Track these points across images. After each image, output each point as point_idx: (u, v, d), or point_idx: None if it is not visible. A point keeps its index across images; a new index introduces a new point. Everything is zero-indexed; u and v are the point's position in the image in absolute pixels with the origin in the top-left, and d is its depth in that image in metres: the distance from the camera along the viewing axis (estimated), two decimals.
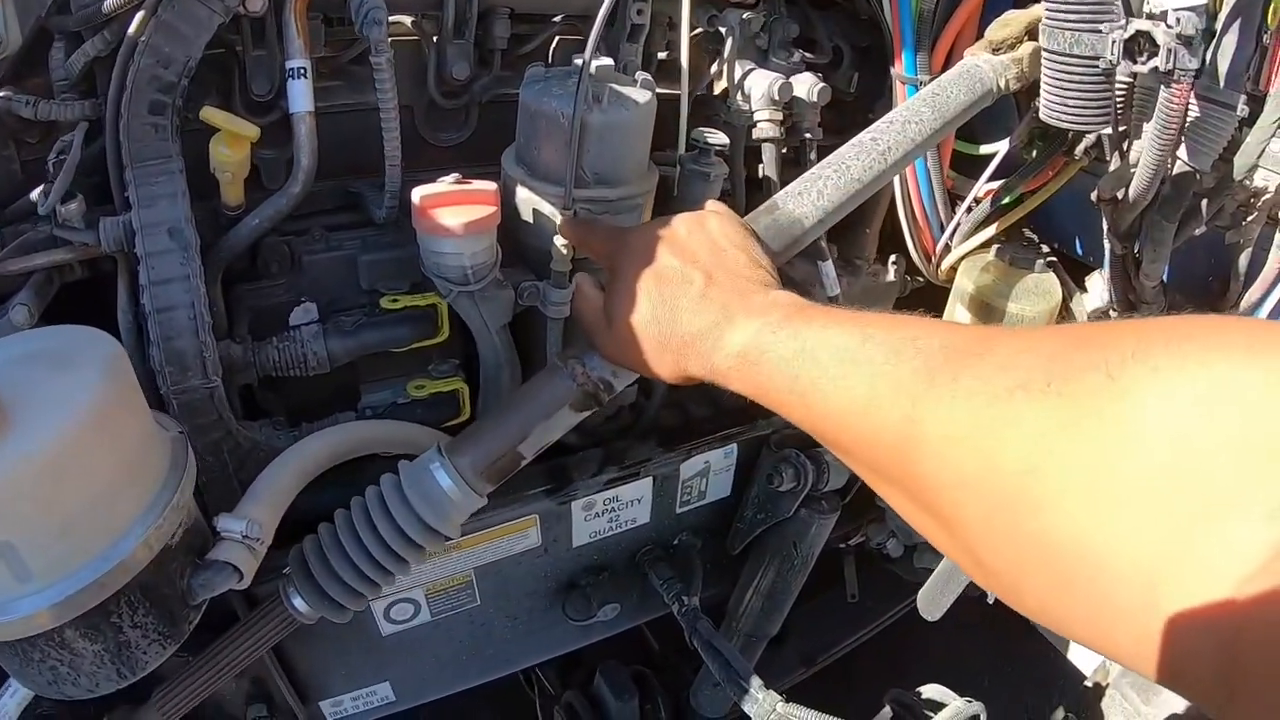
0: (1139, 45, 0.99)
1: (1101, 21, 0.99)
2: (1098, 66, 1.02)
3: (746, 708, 1.21)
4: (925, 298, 1.70)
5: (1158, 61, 0.97)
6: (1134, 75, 1.01)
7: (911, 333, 0.66)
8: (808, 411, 0.72)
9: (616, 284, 0.87)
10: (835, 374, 0.69)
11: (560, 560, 1.35)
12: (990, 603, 0.87)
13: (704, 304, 0.82)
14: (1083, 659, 2.18)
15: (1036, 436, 0.52)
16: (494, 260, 1.07)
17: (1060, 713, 2.10)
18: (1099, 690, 2.00)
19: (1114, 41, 0.98)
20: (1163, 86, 1.00)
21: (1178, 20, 0.96)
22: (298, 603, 0.96)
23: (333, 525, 0.95)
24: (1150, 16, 0.99)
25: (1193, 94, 1.12)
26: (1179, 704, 1.85)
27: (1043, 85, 1.11)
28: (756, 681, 1.21)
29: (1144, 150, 1.07)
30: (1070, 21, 1.02)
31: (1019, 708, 2.22)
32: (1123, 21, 0.98)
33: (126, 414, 0.80)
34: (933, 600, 1.52)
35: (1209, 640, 0.43)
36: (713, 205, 0.95)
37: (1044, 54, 1.08)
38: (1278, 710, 0.41)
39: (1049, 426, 0.51)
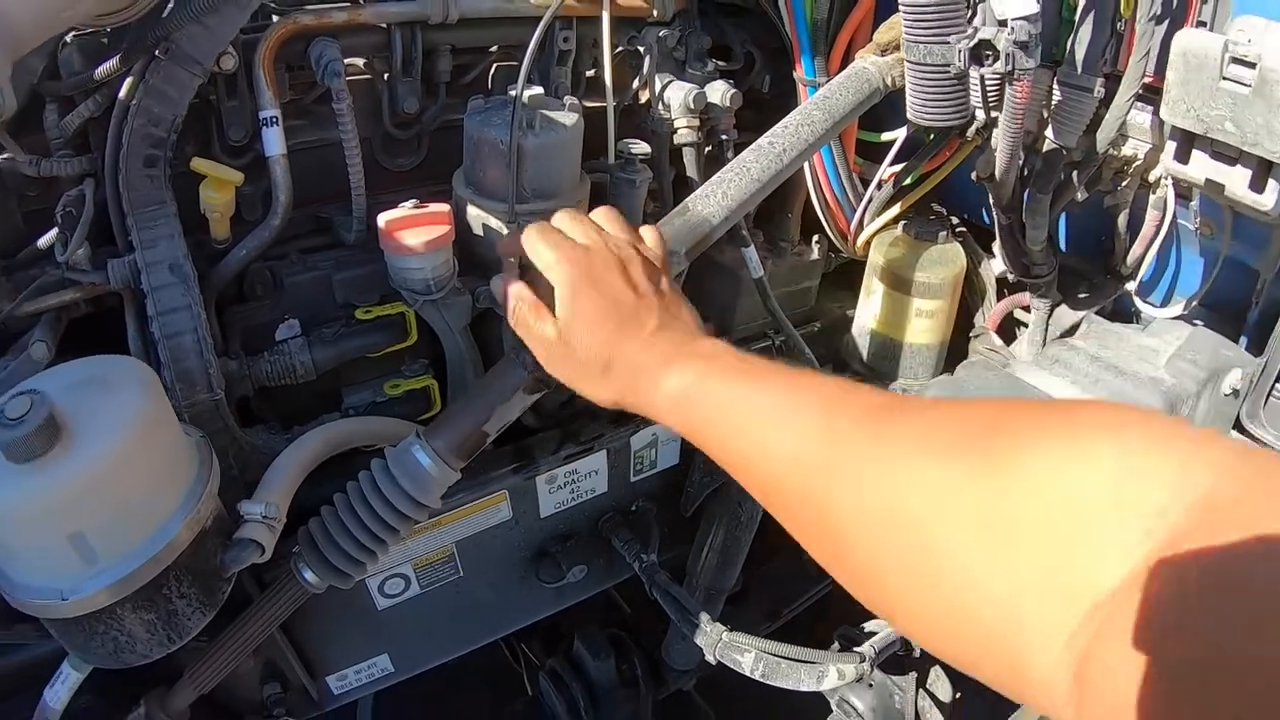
0: (983, 52, 1.13)
1: (950, 34, 1.14)
2: (949, 72, 1.17)
3: (698, 640, 1.37)
4: (848, 272, 1.84)
5: (999, 65, 1.12)
6: (982, 77, 1.16)
7: (838, 394, 0.72)
8: (735, 457, 0.78)
9: (569, 304, 0.90)
10: (765, 427, 0.75)
11: (530, 531, 1.49)
12: None
13: (653, 344, 0.87)
14: None
15: (940, 486, 0.58)
16: (452, 271, 1.23)
17: None
18: None
19: (960, 50, 1.13)
20: (1007, 84, 1.15)
21: (1013, 29, 1.10)
22: (308, 575, 1.11)
23: (334, 507, 1.10)
24: (1000, 23, 1.14)
25: (1055, 80, 1.26)
26: None
27: (907, 90, 1.25)
28: (705, 617, 1.37)
29: (1000, 136, 1.22)
30: (923, 36, 1.17)
31: None
32: (969, 32, 1.13)
33: (163, 424, 0.96)
34: None
35: (1061, 665, 0.47)
36: (649, 235, 1.00)
37: (906, 64, 1.23)
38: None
39: (952, 480, 0.57)
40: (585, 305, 0.90)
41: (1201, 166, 1.16)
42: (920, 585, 0.59)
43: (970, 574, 0.54)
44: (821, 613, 2.18)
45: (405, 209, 1.19)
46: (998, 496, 0.54)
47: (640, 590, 1.53)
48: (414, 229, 1.18)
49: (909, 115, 1.28)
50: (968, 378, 1.45)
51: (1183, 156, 1.18)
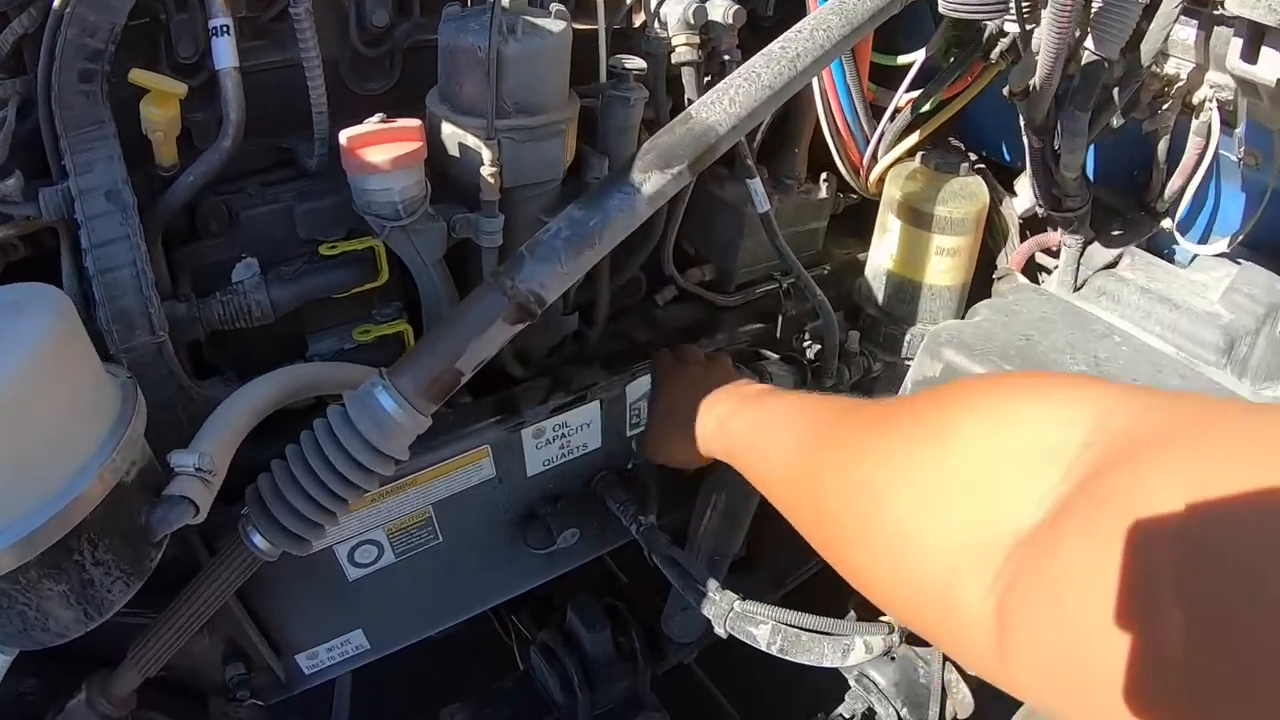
0: None
1: None
2: None
3: (706, 611, 1.24)
4: (857, 215, 1.73)
5: None
6: None
7: (821, 404, 0.88)
8: (754, 465, 0.99)
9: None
10: (767, 437, 0.96)
11: (516, 490, 1.37)
12: None
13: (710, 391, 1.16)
14: None
15: (886, 453, 0.68)
16: (423, 194, 1.09)
17: None
18: None
19: None
20: None
21: None
22: (257, 539, 0.98)
23: (285, 461, 0.97)
24: None
25: None
26: None
27: None
28: (714, 585, 1.24)
29: (1043, 37, 1.10)
30: None
31: None
32: None
33: (75, 354, 0.82)
34: None
35: (985, 608, 0.51)
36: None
37: None
38: (1039, 669, 0.48)
39: (896, 448, 0.67)
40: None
41: (1272, 65, 1.04)
42: (870, 543, 0.67)
43: (909, 527, 0.60)
44: (830, 580, 2.07)
45: (371, 124, 1.05)
46: (933, 458, 0.61)
47: (638, 558, 1.42)
48: (380, 145, 1.04)
49: (941, 7, 1.17)
50: (1017, 302, 1.34)
51: (1250, 55, 1.06)
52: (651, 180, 1.00)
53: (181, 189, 1.09)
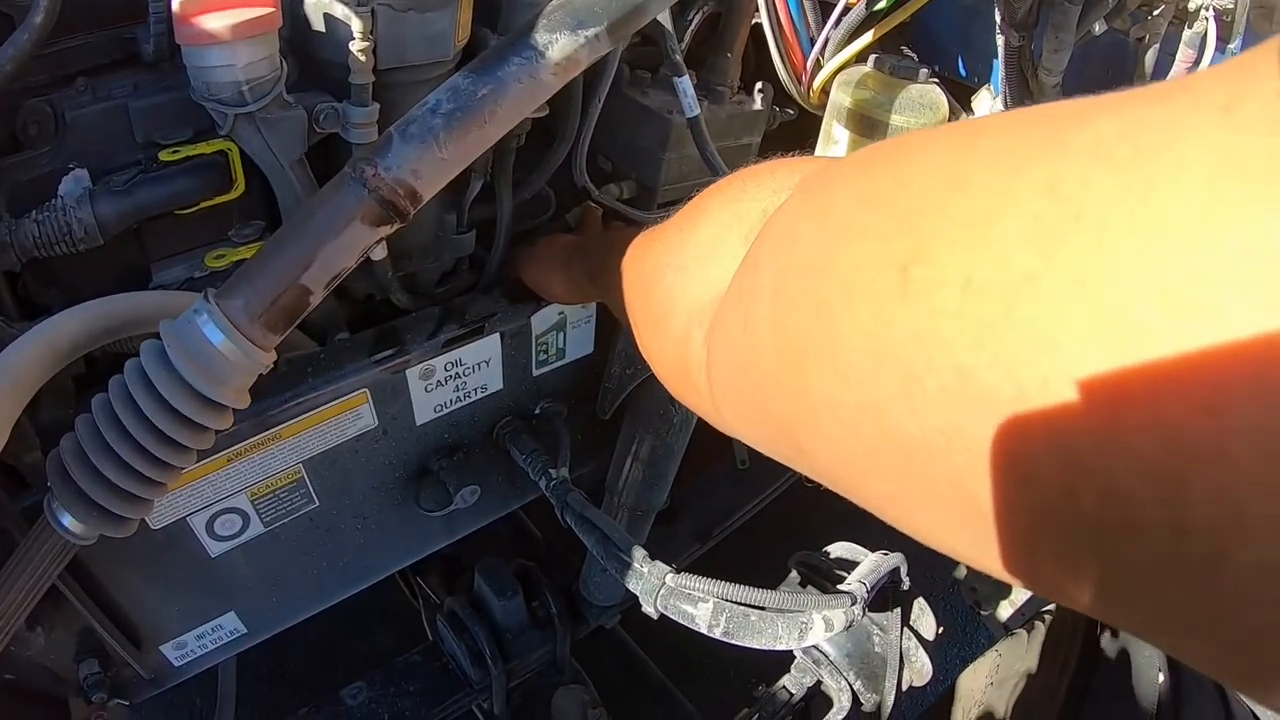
0: None
1: None
2: None
3: (632, 585, 1.06)
4: (792, 133, 1.57)
5: None
6: None
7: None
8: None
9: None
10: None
11: (404, 443, 1.18)
12: None
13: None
14: None
15: (665, 241, 0.74)
16: (277, 75, 0.87)
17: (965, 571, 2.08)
18: None
19: None
20: None
21: None
22: (66, 520, 0.77)
23: (90, 416, 0.76)
24: None
25: None
26: None
27: None
28: (640, 554, 1.06)
29: None
30: None
31: (923, 559, 2.20)
32: None
33: None
34: None
35: (703, 356, 0.57)
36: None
37: None
38: (732, 396, 0.52)
39: (670, 234, 0.74)
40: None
41: None
42: (649, 325, 0.73)
43: (668, 300, 0.67)
44: (753, 532, 2.03)
45: None
46: (687, 237, 0.68)
47: (552, 512, 1.24)
48: (221, 11, 0.81)
49: None
50: None
51: None
52: (560, 43, 0.78)
53: None
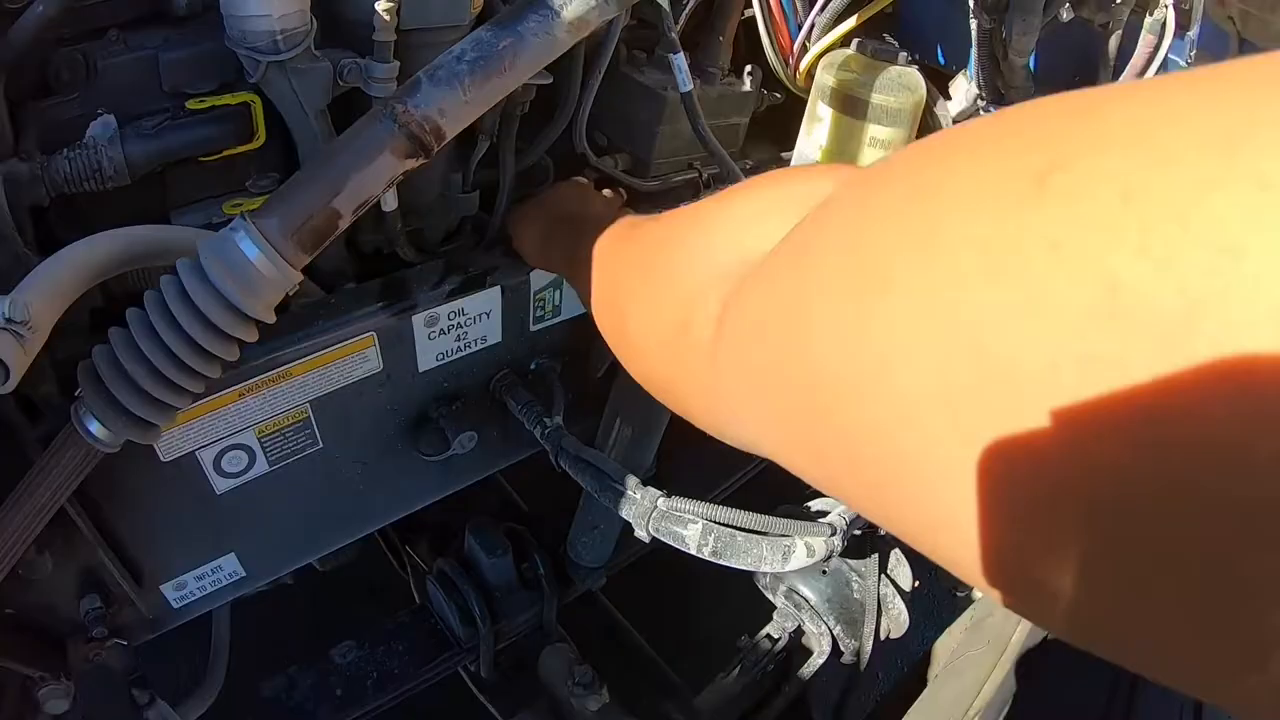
0: None
1: None
2: None
3: (625, 512, 1.11)
4: (779, 117, 1.65)
5: None
6: None
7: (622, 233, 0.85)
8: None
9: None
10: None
11: (406, 388, 1.23)
12: None
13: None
14: None
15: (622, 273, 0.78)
16: (308, 28, 0.93)
17: None
18: None
19: None
20: None
21: None
22: (93, 427, 0.83)
23: (125, 328, 0.81)
24: None
25: None
26: None
27: None
28: (633, 481, 1.11)
29: None
30: None
31: None
32: None
33: None
34: None
35: (707, 332, 0.55)
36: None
37: None
38: (742, 359, 0.49)
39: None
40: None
41: None
42: (630, 283, 0.75)
43: (669, 276, 0.66)
44: (746, 501, 2.02)
45: None
46: (713, 222, 0.64)
47: (541, 486, 1.30)
48: None
49: None
50: None
51: None
52: (574, 4, 0.86)
53: (29, 22, 0.90)
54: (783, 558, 1.03)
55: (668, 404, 0.69)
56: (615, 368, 1.42)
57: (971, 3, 1.24)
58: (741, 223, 0.59)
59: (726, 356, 0.51)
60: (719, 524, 1.05)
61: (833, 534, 1.06)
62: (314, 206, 0.76)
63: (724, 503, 1.08)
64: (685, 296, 0.59)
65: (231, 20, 0.92)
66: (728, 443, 0.60)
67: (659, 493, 1.10)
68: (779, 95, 1.61)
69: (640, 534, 1.11)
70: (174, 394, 0.81)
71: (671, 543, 1.09)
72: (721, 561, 1.05)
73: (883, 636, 1.32)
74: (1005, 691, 1.26)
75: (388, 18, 0.94)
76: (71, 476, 0.87)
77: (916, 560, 1.38)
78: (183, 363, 0.78)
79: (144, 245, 0.90)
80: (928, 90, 1.50)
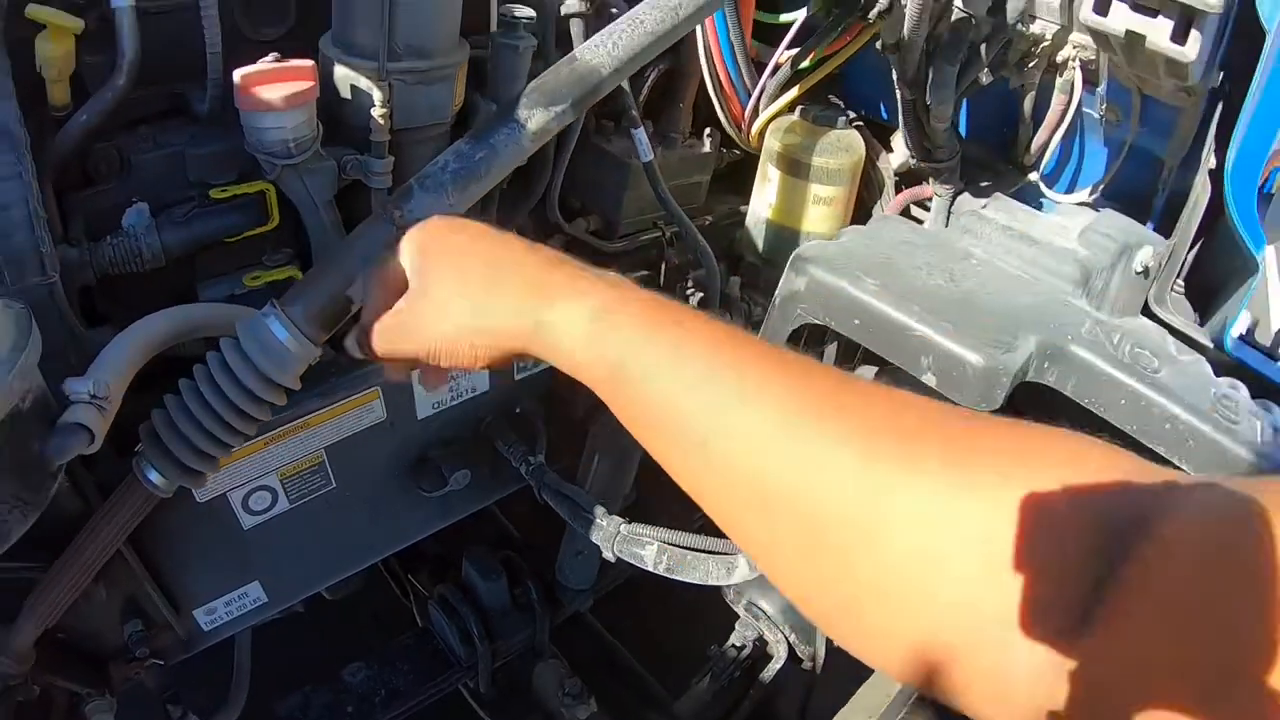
0: None
1: None
2: None
3: (595, 537, 1.28)
4: (739, 172, 1.79)
5: None
6: None
7: (729, 346, 0.64)
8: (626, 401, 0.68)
9: (417, 265, 0.80)
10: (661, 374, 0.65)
11: (407, 434, 1.39)
12: None
13: (539, 273, 0.74)
14: None
15: (927, 488, 0.52)
16: (315, 134, 1.11)
17: None
18: None
19: None
20: None
21: None
22: (153, 476, 0.99)
23: (178, 395, 0.98)
24: None
25: None
26: None
27: None
28: (601, 511, 1.28)
29: None
30: None
31: None
32: None
33: None
34: None
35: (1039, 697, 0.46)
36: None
37: None
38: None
39: (937, 479, 0.52)
40: (437, 258, 0.79)
41: (1121, 18, 1.11)
42: (901, 607, 0.53)
43: (960, 593, 0.50)
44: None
45: (265, 63, 1.06)
46: (988, 514, 0.49)
47: (532, 515, 1.44)
48: (273, 84, 1.05)
49: None
50: (881, 229, 1.39)
51: (1102, 8, 1.13)
52: (536, 117, 1.03)
53: (75, 129, 1.08)
54: (727, 572, 1.20)
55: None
56: (593, 410, 1.57)
57: (895, 74, 1.37)
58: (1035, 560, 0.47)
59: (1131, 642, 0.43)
60: (671, 545, 1.22)
61: None
62: (330, 295, 0.93)
63: (702, 524, 1.22)
64: (986, 638, 0.48)
65: (250, 130, 1.09)
66: None
67: (621, 520, 1.27)
68: (738, 152, 1.77)
69: (607, 554, 1.28)
70: (219, 448, 0.98)
71: (633, 562, 1.26)
72: (675, 576, 1.21)
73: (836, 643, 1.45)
74: None
75: (383, 121, 1.11)
76: (133, 517, 1.04)
77: None
78: (227, 424, 0.95)
79: (189, 324, 1.07)
80: (871, 145, 1.66)
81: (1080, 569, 0.45)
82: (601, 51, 1.06)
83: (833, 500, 0.54)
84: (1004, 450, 0.53)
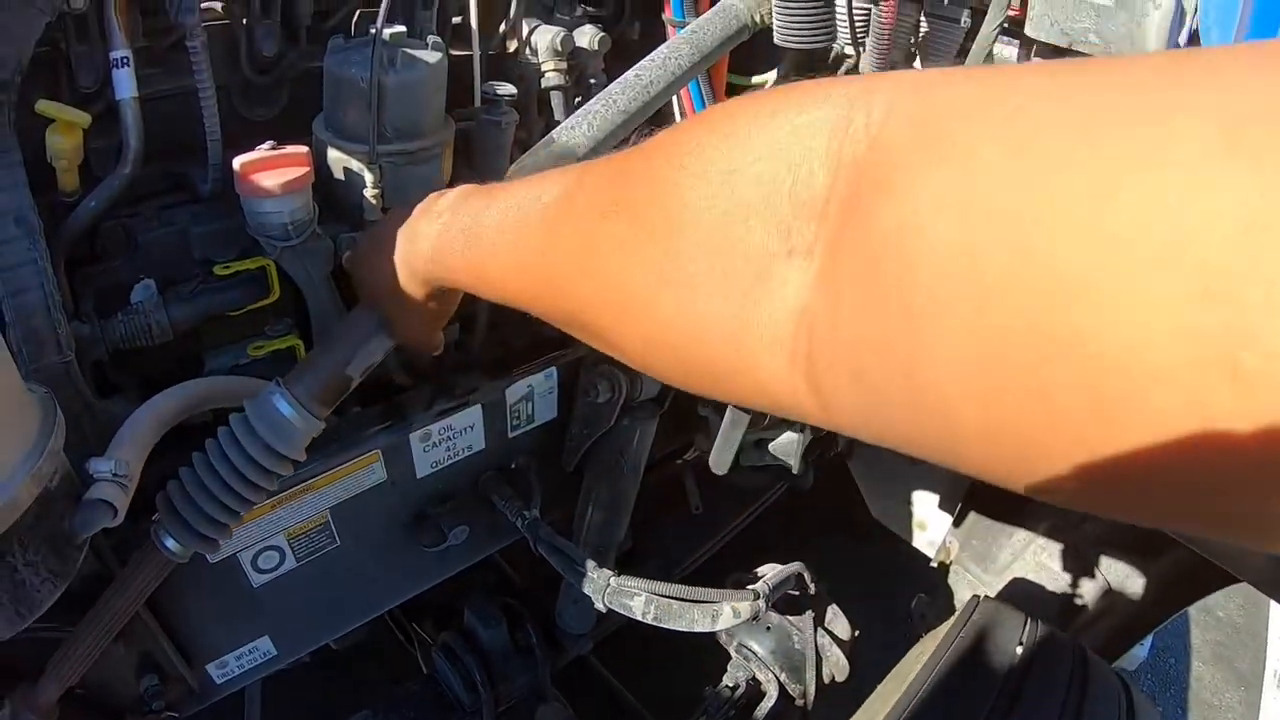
0: None
1: None
2: None
3: (586, 589, 1.34)
4: None
5: None
6: (849, 1, 1.16)
7: (545, 185, 0.70)
8: (481, 277, 0.79)
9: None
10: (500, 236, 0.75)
11: (407, 492, 1.45)
12: None
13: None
14: (925, 544, 2.33)
15: (617, 251, 0.56)
16: (311, 216, 1.17)
17: (914, 598, 2.26)
18: (944, 569, 2.17)
19: None
20: (873, 6, 1.15)
21: None
22: (169, 543, 1.05)
23: (192, 468, 1.04)
24: None
25: (922, 11, 1.28)
26: (1017, 568, 2.04)
27: (774, 15, 1.25)
28: (592, 564, 1.34)
29: (865, 62, 1.22)
30: None
31: (875, 596, 2.39)
32: None
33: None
34: (719, 456, 1.60)
35: (795, 384, 0.46)
36: None
37: None
38: (862, 413, 0.43)
39: (619, 241, 0.56)
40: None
41: None
42: (643, 342, 0.58)
43: (680, 325, 0.52)
44: (715, 571, 2.21)
45: (262, 151, 1.13)
46: (674, 243, 0.51)
47: (530, 562, 1.49)
48: (271, 171, 1.12)
49: (776, 39, 1.27)
50: None
51: None
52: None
53: (84, 214, 1.14)
54: (712, 619, 1.26)
55: (724, 384, 0.53)
56: (587, 460, 1.63)
57: None
58: (733, 262, 0.48)
59: (842, 410, 0.44)
60: (659, 595, 1.28)
61: (757, 598, 1.28)
62: (331, 374, 1.00)
63: (692, 574, 1.28)
64: (724, 353, 0.50)
65: (251, 214, 1.16)
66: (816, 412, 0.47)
67: (611, 572, 1.33)
68: None
69: (598, 605, 1.34)
70: (230, 516, 1.04)
71: (623, 612, 1.32)
72: (662, 625, 1.27)
73: (826, 681, 1.52)
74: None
75: (375, 202, 1.18)
76: (150, 582, 1.09)
77: (855, 613, 1.57)
78: (238, 494, 1.02)
79: (200, 398, 1.13)
80: None
81: None
82: (578, 132, 1.13)
83: None
84: None
